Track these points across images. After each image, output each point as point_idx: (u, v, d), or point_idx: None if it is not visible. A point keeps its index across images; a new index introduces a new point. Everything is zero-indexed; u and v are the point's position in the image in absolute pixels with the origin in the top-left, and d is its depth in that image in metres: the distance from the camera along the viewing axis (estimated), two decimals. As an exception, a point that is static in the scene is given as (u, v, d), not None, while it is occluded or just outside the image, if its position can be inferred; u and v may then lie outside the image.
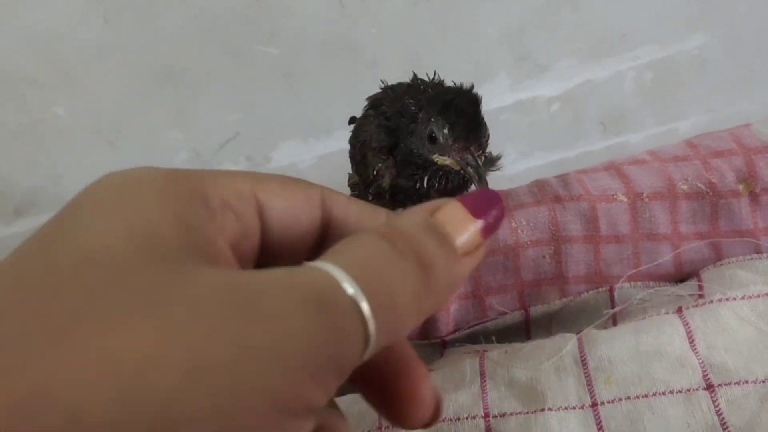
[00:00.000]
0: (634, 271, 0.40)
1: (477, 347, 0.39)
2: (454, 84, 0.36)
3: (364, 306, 0.16)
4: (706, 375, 0.33)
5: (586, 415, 0.33)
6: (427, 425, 0.21)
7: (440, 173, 0.35)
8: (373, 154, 0.37)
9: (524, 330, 0.42)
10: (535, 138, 0.67)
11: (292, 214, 0.20)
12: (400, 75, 0.66)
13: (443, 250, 0.19)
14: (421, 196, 0.36)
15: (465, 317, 0.41)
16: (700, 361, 0.34)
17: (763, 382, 0.32)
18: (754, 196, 0.40)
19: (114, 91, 0.64)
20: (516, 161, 0.66)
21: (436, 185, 0.36)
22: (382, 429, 0.35)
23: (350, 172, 0.42)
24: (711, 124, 0.49)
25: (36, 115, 0.63)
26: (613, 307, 0.40)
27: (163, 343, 0.13)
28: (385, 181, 0.37)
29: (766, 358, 0.33)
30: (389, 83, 0.40)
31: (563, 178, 0.42)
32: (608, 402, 0.33)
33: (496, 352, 0.37)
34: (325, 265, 0.17)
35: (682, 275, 0.41)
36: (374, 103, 0.39)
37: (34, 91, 0.63)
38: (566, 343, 0.36)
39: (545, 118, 0.68)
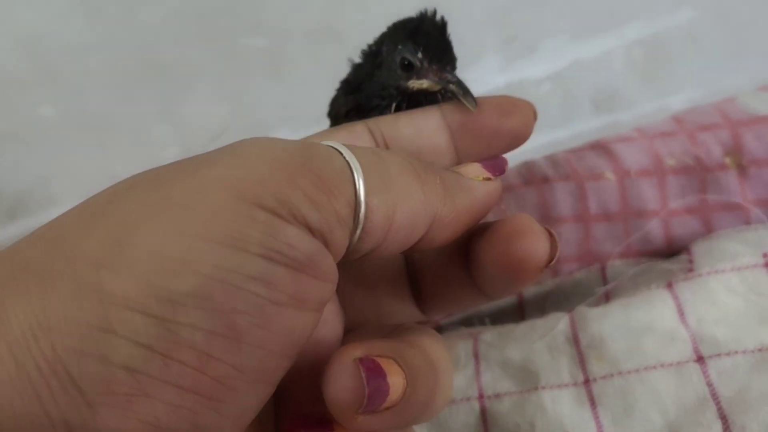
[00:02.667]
0: (625, 247, 0.40)
1: (471, 330, 0.39)
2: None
3: (348, 154, 0.19)
4: (697, 348, 0.33)
5: (579, 392, 0.33)
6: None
7: (411, 99, 0.33)
8: (346, 120, 0.35)
9: (518, 311, 0.42)
10: (526, 119, 0.67)
11: None
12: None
13: (450, 173, 0.22)
14: None
15: (458, 300, 0.41)
16: (690, 334, 0.34)
17: (753, 352, 0.32)
18: (741, 169, 0.40)
19: (99, 88, 0.64)
20: (507, 143, 0.66)
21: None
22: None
23: None
24: (703, 99, 0.49)
25: (22, 117, 0.63)
26: (605, 284, 0.41)
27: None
28: None
29: (755, 329, 0.33)
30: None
31: (551, 158, 0.43)
32: (600, 378, 0.33)
33: (489, 334, 0.38)
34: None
35: (672, 250, 0.41)
36: (342, 82, 0.39)
37: (19, 93, 0.63)
38: (558, 322, 0.37)
39: (535, 100, 0.67)
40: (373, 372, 0.18)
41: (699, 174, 0.41)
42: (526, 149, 0.68)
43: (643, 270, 0.40)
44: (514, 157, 0.48)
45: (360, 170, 0.19)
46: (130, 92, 0.65)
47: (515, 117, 0.26)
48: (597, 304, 0.39)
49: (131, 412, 0.15)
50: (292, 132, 0.68)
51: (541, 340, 0.36)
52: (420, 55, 0.31)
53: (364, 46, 0.38)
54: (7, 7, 0.61)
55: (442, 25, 0.32)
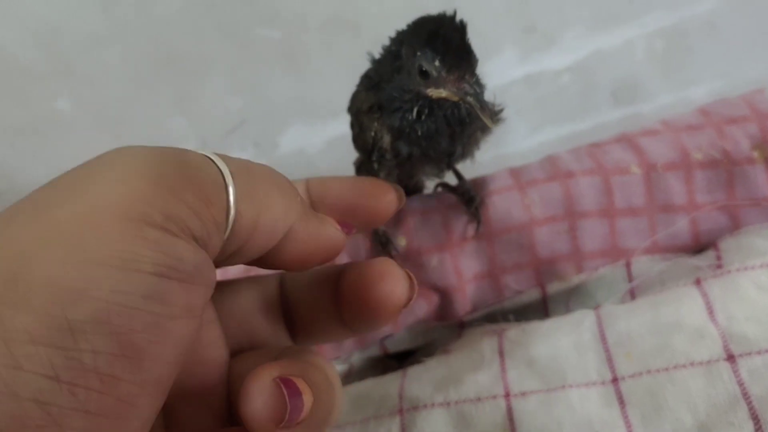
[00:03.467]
0: (651, 243, 0.40)
1: (495, 327, 0.39)
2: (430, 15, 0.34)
3: (220, 163, 0.20)
4: (727, 346, 0.33)
5: (607, 391, 0.33)
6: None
7: (433, 106, 0.33)
8: (368, 116, 0.35)
9: (542, 307, 0.41)
10: (545, 112, 0.66)
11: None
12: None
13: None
14: (420, 138, 0.34)
15: (482, 297, 0.41)
16: (720, 331, 0.33)
17: (785, 351, 0.32)
18: (770, 163, 0.40)
19: (115, 81, 0.63)
20: (526, 136, 0.65)
21: (425, 118, 0.34)
22: (403, 412, 0.35)
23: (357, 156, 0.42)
24: (724, 90, 0.48)
25: (37, 110, 0.63)
26: (630, 280, 0.40)
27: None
28: (385, 141, 0.35)
29: (787, 327, 0.33)
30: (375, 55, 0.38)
31: (575, 153, 0.42)
32: (629, 377, 0.33)
33: (514, 331, 0.37)
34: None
35: (699, 246, 0.41)
36: (362, 77, 0.38)
37: (34, 85, 0.63)
38: (584, 319, 0.36)
39: (555, 91, 0.67)
40: (293, 390, 0.20)
41: (726, 167, 0.40)
42: (546, 141, 0.67)
43: (669, 266, 0.39)
44: (535, 152, 0.47)
45: (231, 178, 0.20)
46: (145, 85, 0.65)
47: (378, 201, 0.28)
48: (623, 301, 0.39)
49: None
50: (306, 124, 0.67)
51: (567, 337, 0.35)
52: (437, 63, 0.31)
53: (383, 39, 0.37)
54: (24, 2, 0.60)
55: (462, 29, 0.31)
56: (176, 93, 0.65)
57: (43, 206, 0.18)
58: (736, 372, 0.32)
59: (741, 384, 0.31)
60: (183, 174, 0.19)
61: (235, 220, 0.20)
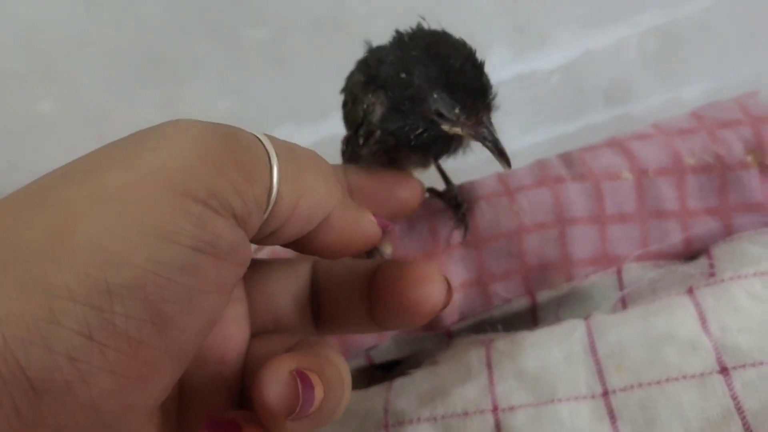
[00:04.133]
0: (642, 251, 0.39)
1: (483, 337, 0.38)
2: (441, 34, 0.33)
3: (267, 143, 0.21)
4: (720, 358, 0.32)
5: (598, 405, 0.32)
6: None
7: (443, 135, 0.33)
8: (364, 89, 0.34)
9: (531, 316, 0.40)
10: (537, 112, 0.66)
11: None
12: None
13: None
14: (412, 149, 0.33)
15: (470, 305, 0.40)
16: (713, 343, 0.32)
17: (780, 363, 0.31)
18: (763, 167, 0.39)
19: (99, 82, 0.62)
20: (517, 137, 0.65)
21: (429, 143, 0.33)
22: (388, 427, 0.34)
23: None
24: (717, 90, 0.47)
25: (21, 112, 0.62)
26: (621, 288, 0.39)
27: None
28: (376, 114, 0.33)
29: (781, 338, 0.32)
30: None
31: (565, 157, 0.41)
32: (620, 390, 0.32)
33: (502, 342, 0.36)
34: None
35: (692, 252, 0.40)
36: (360, 60, 0.37)
37: (17, 88, 0.61)
38: (575, 329, 0.35)
39: (546, 91, 0.66)
40: (307, 383, 0.21)
41: (719, 172, 0.39)
42: (538, 141, 0.66)
43: (661, 274, 0.38)
44: (526, 153, 0.47)
45: (276, 158, 0.21)
46: (130, 86, 0.63)
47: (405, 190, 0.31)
48: (613, 310, 0.38)
49: (71, 397, 0.17)
50: (294, 125, 0.66)
51: (556, 348, 0.35)
52: (457, 111, 0.31)
53: (372, 40, 0.36)
54: (5, 1, 0.59)
55: (479, 67, 0.31)
56: (162, 94, 0.64)
57: (95, 169, 0.19)
58: (729, 385, 0.31)
59: (735, 397, 0.31)
60: (231, 150, 0.20)
61: (275, 201, 0.21)
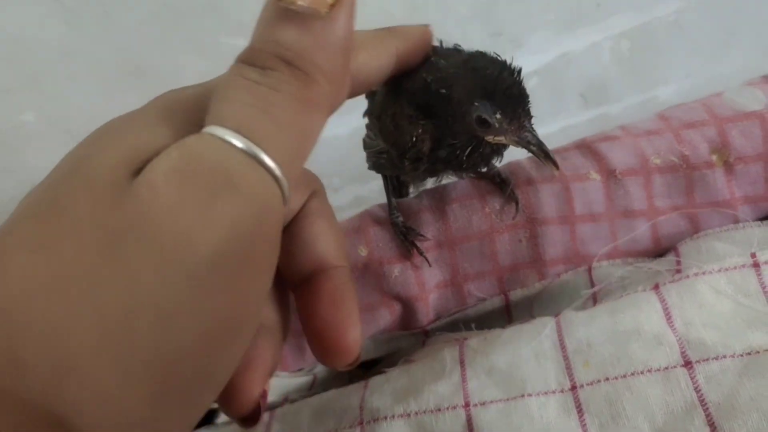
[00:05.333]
0: (611, 247, 0.40)
1: (456, 335, 0.39)
2: (467, 53, 0.34)
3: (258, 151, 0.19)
4: (684, 352, 0.33)
5: (566, 399, 0.33)
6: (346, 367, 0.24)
7: (487, 146, 0.34)
8: (409, 121, 0.34)
9: (505, 314, 0.41)
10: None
11: None
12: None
13: (302, 27, 0.21)
14: (460, 164, 0.35)
15: (445, 305, 0.41)
16: (678, 338, 0.33)
17: (741, 356, 0.32)
18: (728, 166, 0.40)
19: (82, 92, 0.63)
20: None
21: (479, 157, 0.35)
22: (363, 424, 0.34)
23: (366, 139, 0.41)
24: (691, 90, 0.49)
25: (4, 123, 0.62)
26: (592, 286, 0.40)
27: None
28: (426, 146, 0.35)
29: (743, 332, 0.33)
30: None
31: (535, 160, 0.42)
32: (587, 384, 0.33)
33: (475, 340, 0.37)
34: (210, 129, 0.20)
35: (660, 250, 0.41)
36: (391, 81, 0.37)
37: (0, 99, 0.62)
38: (545, 327, 0.36)
39: (523, 94, 0.67)
40: None
41: (685, 172, 0.40)
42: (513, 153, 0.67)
43: (630, 271, 0.39)
44: (506, 153, 0.47)
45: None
46: (113, 96, 0.64)
47: None
48: (584, 306, 0.39)
49: None
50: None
51: (527, 346, 0.35)
52: (498, 116, 0.32)
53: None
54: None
55: (516, 75, 0.32)
56: (143, 103, 0.65)
57: None
58: (693, 378, 0.32)
59: (698, 390, 0.32)
60: None
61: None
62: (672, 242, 0.40)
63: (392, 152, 0.37)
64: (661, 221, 0.40)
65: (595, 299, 0.40)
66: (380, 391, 0.36)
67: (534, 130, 0.32)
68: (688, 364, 0.32)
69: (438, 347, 0.38)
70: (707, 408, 0.31)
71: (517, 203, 0.40)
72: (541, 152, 0.32)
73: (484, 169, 0.39)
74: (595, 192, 0.40)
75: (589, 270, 0.40)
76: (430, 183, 0.41)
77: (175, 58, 0.63)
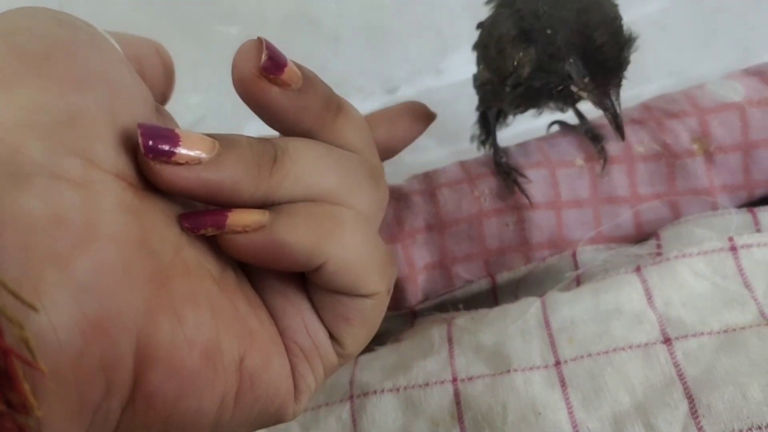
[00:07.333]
0: (595, 232, 0.41)
1: (445, 315, 0.40)
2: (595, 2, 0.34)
3: None
4: (664, 329, 0.34)
5: (550, 374, 0.34)
6: None
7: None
8: (513, 44, 0.35)
9: (492, 297, 0.42)
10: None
11: None
12: (363, 48, 0.65)
13: None
14: (550, 95, 0.37)
15: (433, 287, 0.42)
16: (658, 316, 0.35)
17: (718, 333, 0.33)
18: (708, 155, 0.41)
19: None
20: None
21: (568, 95, 0.36)
22: (353, 398, 0.35)
23: (475, 73, 0.43)
24: (674, 88, 0.50)
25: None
26: (576, 269, 0.41)
27: None
28: (525, 70, 0.35)
29: (720, 311, 0.34)
30: None
31: (523, 146, 0.43)
32: (571, 360, 0.34)
33: (463, 319, 0.38)
34: None
35: (642, 235, 0.42)
36: (506, 1, 0.38)
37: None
38: (530, 306, 0.37)
39: (510, 88, 0.68)
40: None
41: (667, 160, 0.42)
42: (503, 138, 0.68)
43: (613, 255, 0.40)
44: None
45: None
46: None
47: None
48: (568, 288, 0.40)
49: None
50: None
51: (513, 324, 0.36)
52: (586, 80, 0.33)
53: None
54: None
55: (621, 41, 0.33)
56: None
57: None
58: (672, 354, 0.33)
59: (677, 365, 0.33)
60: None
61: None
62: (654, 228, 0.42)
63: (494, 80, 0.38)
64: (644, 208, 0.42)
65: (578, 281, 0.41)
66: (370, 367, 0.37)
67: (617, 100, 0.33)
68: (667, 340, 0.34)
69: (426, 326, 0.39)
70: (685, 382, 0.32)
71: (605, 160, 0.41)
72: (613, 121, 0.33)
73: (569, 109, 0.41)
74: (581, 179, 0.41)
75: (574, 254, 0.42)
76: (530, 114, 0.42)
77: (168, 46, 0.64)
